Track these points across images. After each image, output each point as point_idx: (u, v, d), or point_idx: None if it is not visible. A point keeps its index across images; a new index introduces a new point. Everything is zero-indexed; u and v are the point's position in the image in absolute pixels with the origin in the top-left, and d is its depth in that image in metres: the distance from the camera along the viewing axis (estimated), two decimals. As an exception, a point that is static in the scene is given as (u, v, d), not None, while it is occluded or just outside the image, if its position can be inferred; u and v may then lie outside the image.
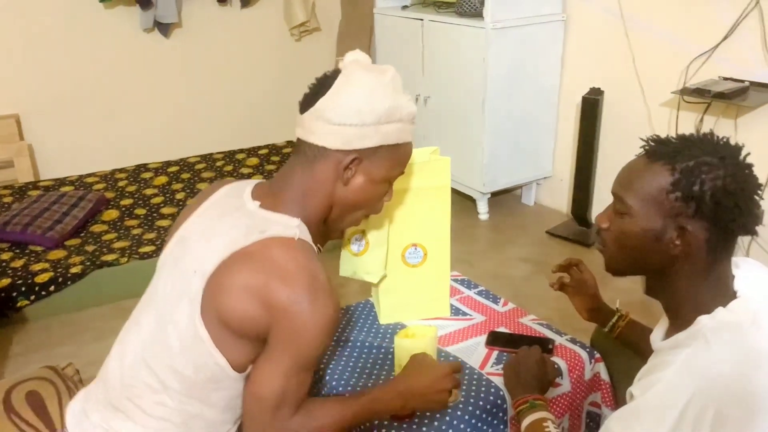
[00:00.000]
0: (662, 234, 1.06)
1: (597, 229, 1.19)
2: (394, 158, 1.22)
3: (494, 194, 3.65)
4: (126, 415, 1.17)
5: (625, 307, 1.59)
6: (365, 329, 1.65)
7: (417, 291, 1.65)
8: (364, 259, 1.55)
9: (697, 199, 1.02)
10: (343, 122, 1.15)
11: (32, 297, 2.62)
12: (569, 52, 3.41)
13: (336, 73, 1.19)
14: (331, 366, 1.51)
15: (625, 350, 1.55)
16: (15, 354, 2.46)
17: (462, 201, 3.71)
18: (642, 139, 1.13)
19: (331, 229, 1.31)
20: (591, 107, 3.14)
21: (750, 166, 1.07)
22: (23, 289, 2.62)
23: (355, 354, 1.55)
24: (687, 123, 2.90)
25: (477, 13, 3.22)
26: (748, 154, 1.08)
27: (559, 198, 3.68)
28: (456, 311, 1.73)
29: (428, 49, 3.51)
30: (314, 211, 1.22)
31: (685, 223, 1.04)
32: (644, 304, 1.15)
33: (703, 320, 1.04)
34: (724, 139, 1.09)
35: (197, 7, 4.08)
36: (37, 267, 2.75)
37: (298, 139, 1.22)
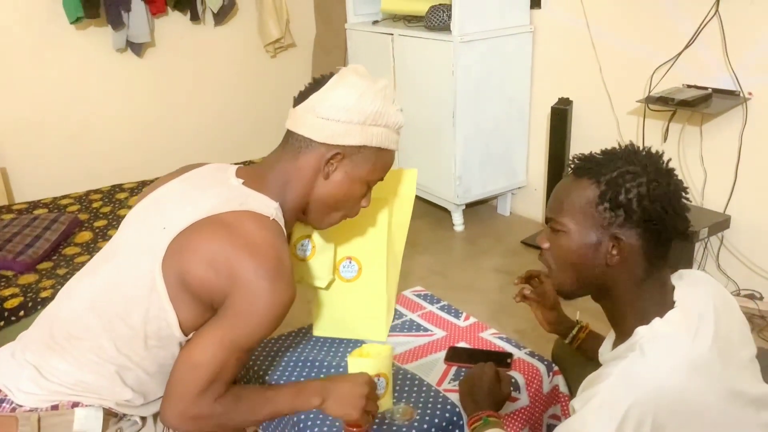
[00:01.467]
0: (598, 246, 1.10)
1: (539, 252, 1.21)
2: (376, 162, 1.27)
3: (470, 205, 3.66)
4: (61, 356, 1.17)
5: (585, 318, 1.60)
6: (325, 347, 1.65)
7: (350, 308, 1.61)
8: (311, 264, 1.53)
9: (625, 207, 1.06)
10: (331, 117, 1.21)
11: (1, 323, 2.60)
12: (538, 62, 3.44)
13: (333, 75, 1.27)
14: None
15: (585, 361, 1.56)
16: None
17: (437, 212, 3.73)
18: (569, 160, 1.16)
19: (314, 225, 1.36)
20: (560, 117, 3.17)
21: (672, 170, 1.11)
22: (-7, 314, 2.60)
23: (313, 373, 1.55)
24: (653, 131, 2.93)
25: (445, 27, 3.24)
26: (670, 159, 1.13)
27: (534, 207, 3.70)
28: (417, 327, 1.73)
29: (399, 63, 3.54)
30: (293, 199, 1.27)
31: (617, 232, 1.08)
32: (605, 315, 1.18)
33: (640, 331, 1.06)
34: (645, 149, 1.14)
35: (170, 25, 4.09)
36: (7, 292, 2.73)
37: (288, 130, 1.28)
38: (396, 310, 1.81)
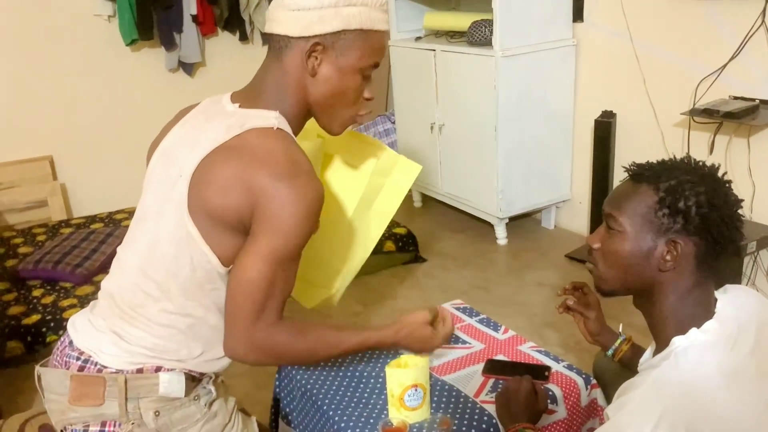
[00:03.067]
0: (652, 250, 1.11)
1: (588, 250, 1.23)
2: (362, 46, 1.19)
3: (514, 219, 3.66)
4: (132, 324, 1.20)
5: (628, 331, 1.60)
6: (365, 358, 1.69)
7: (308, 263, 1.43)
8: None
9: (684, 213, 1.08)
10: (301, 6, 1.15)
11: (60, 332, 2.72)
12: (581, 76, 3.43)
13: None
14: (329, 396, 1.55)
15: (627, 374, 1.55)
16: (44, 387, 2.56)
17: (480, 226, 3.74)
18: (623, 167, 1.18)
19: (327, 130, 1.30)
20: (604, 130, 3.15)
21: (729, 182, 1.13)
22: (52, 324, 2.73)
23: (353, 384, 1.59)
24: (699, 143, 2.89)
25: (487, 42, 3.27)
26: (725, 173, 1.14)
27: (578, 221, 3.67)
28: (455, 339, 1.75)
29: (441, 78, 3.58)
30: (291, 105, 1.21)
31: (675, 237, 1.09)
32: (648, 329, 1.18)
33: (677, 341, 1.07)
34: (702, 161, 1.15)
35: (220, 46, 4.24)
36: (65, 303, 2.86)
37: (268, 34, 1.23)
38: (435, 323, 1.83)
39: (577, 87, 3.45)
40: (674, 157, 1.18)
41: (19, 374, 2.61)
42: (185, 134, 1.24)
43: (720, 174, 1.13)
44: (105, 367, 1.18)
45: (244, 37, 4.24)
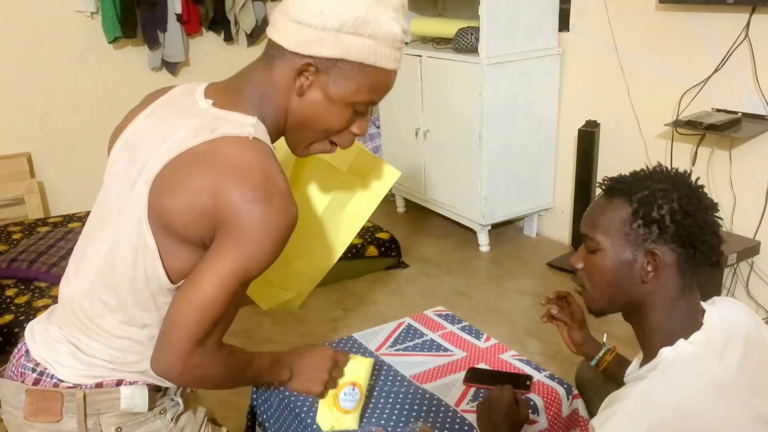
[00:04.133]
0: (633, 263, 1.10)
1: (573, 272, 1.22)
2: (360, 81, 1.07)
3: (496, 226, 3.67)
4: (90, 336, 1.12)
5: (612, 341, 1.59)
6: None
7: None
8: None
9: (658, 222, 1.07)
10: (303, 21, 1.04)
11: (34, 332, 2.67)
12: (566, 85, 3.44)
13: None
14: (307, 404, 1.52)
15: (610, 384, 1.55)
16: (15, 389, 2.50)
17: (462, 233, 3.73)
18: (598, 182, 1.18)
19: (290, 148, 1.20)
20: (587, 139, 3.16)
21: (701, 187, 1.12)
22: (25, 325, 2.66)
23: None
24: (682, 154, 2.91)
25: (473, 49, 3.27)
26: (698, 178, 1.14)
27: (560, 229, 3.68)
28: (437, 347, 1.74)
29: (427, 84, 3.57)
30: (271, 114, 1.11)
31: (652, 247, 1.08)
32: (633, 339, 1.18)
33: (664, 352, 1.07)
34: (674, 168, 1.15)
35: (204, 45, 4.20)
36: (40, 303, 2.81)
37: (268, 37, 1.13)
38: (416, 330, 1.82)
39: (562, 96, 3.47)
40: (646, 167, 1.18)
41: (-10, 375, 2.55)
42: (150, 127, 1.14)
43: (693, 179, 1.13)
44: (62, 381, 1.12)
45: (229, 38, 4.20)
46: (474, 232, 3.62)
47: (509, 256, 3.56)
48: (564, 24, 3.34)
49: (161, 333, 1.06)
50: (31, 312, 2.71)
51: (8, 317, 2.69)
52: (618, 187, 1.13)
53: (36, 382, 1.12)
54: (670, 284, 1.09)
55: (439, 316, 1.90)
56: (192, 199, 1.01)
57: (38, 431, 1.13)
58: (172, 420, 1.20)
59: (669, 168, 1.15)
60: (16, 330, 2.65)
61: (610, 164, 3.23)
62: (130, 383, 1.14)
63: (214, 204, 1.00)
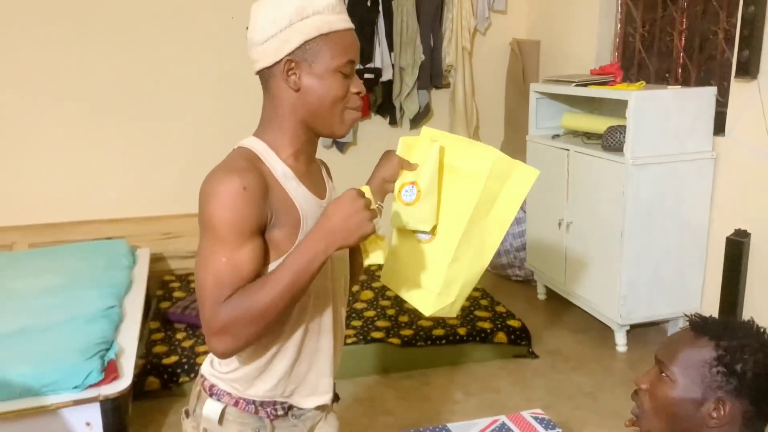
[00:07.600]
0: (700, 404, 1.14)
1: (634, 390, 1.26)
2: (329, 48, 1.25)
3: (639, 326, 3.56)
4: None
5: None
6: None
7: (410, 268, 1.50)
8: (417, 208, 1.45)
9: (739, 376, 1.10)
10: (265, 37, 1.24)
11: (192, 375, 3.07)
12: (718, 190, 3.32)
13: None
14: None
15: None
16: (170, 422, 2.89)
17: (601, 329, 3.66)
18: (686, 315, 1.22)
19: (331, 135, 1.33)
20: (736, 249, 3.02)
21: None
22: (186, 367, 3.08)
23: None
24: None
25: (620, 147, 3.30)
26: None
27: (708, 337, 3.48)
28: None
29: (573, 178, 3.63)
30: (285, 128, 1.29)
31: (724, 396, 1.11)
32: None
33: None
34: (764, 328, 1.17)
35: (371, 128, 4.60)
36: (202, 348, 3.22)
37: (258, 74, 1.31)
38: (509, 430, 1.89)
39: (714, 201, 3.34)
40: (737, 318, 1.20)
41: (152, 407, 2.97)
42: None
43: None
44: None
45: (393, 122, 4.58)
46: (612, 330, 3.54)
47: (649, 359, 3.42)
48: (719, 128, 3.26)
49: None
50: (192, 356, 3.12)
51: (174, 358, 3.12)
52: (709, 327, 1.17)
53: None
54: None
55: (535, 419, 1.95)
56: None
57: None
58: None
59: (760, 326, 1.17)
60: (179, 370, 3.06)
61: (763, 277, 3.05)
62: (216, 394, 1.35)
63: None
